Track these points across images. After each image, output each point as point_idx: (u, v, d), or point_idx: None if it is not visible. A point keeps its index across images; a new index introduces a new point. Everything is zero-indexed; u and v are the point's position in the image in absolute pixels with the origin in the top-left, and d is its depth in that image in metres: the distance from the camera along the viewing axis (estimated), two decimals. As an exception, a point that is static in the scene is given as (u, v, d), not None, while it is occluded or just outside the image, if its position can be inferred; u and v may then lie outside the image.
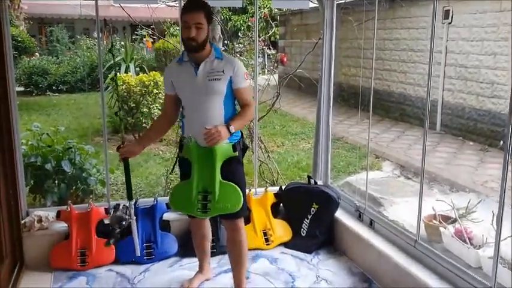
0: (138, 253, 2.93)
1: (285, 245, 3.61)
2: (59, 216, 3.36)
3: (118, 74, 8.34)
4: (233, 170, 2.68)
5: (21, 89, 12.26)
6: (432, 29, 2.88)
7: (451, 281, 2.61)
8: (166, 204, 3.52)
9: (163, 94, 3.11)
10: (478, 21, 7.49)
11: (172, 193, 2.80)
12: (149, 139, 3.06)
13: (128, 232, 3.37)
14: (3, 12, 3.04)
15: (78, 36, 15.28)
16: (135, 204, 3.48)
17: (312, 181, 3.86)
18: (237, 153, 2.67)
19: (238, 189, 2.63)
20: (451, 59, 8.06)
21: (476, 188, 5.39)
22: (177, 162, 2.88)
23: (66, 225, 3.34)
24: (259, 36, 5.86)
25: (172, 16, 8.12)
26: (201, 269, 3.11)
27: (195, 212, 2.65)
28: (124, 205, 3.21)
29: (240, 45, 5.58)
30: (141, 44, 13.11)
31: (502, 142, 6.82)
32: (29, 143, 4.09)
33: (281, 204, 3.82)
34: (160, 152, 6.90)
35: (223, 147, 2.60)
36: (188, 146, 2.64)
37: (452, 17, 7.93)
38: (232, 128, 2.55)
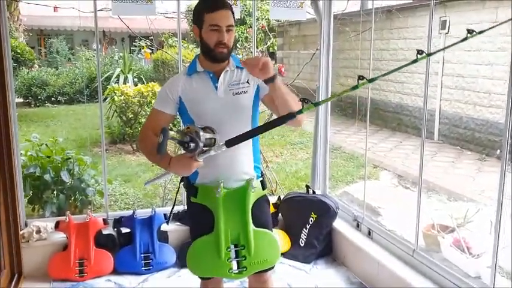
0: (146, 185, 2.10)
1: (284, 255, 3.59)
2: (57, 226, 3.37)
3: (116, 85, 8.39)
4: (261, 211, 2.17)
5: (21, 100, 12.30)
6: (429, 39, 2.90)
7: (450, 290, 2.62)
8: (164, 215, 3.53)
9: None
10: (474, 32, 7.53)
11: (192, 254, 2.10)
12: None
13: (127, 241, 3.41)
14: (2, 23, 3.06)
15: (78, 48, 15.33)
16: (133, 215, 3.49)
17: (311, 191, 3.86)
18: (266, 191, 2.22)
19: (275, 237, 2.18)
20: (448, 68, 8.11)
21: (474, 197, 5.39)
22: (188, 209, 2.24)
23: (64, 235, 3.34)
24: (257, 47, 5.90)
25: (171, 27, 8.17)
26: None
27: (228, 273, 2.06)
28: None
29: (238, 56, 5.61)
30: (139, 55, 13.16)
31: (499, 151, 6.85)
32: (28, 153, 4.10)
33: (279, 214, 3.82)
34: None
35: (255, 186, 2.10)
36: (214, 196, 2.04)
37: (449, 27, 7.99)
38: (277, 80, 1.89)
